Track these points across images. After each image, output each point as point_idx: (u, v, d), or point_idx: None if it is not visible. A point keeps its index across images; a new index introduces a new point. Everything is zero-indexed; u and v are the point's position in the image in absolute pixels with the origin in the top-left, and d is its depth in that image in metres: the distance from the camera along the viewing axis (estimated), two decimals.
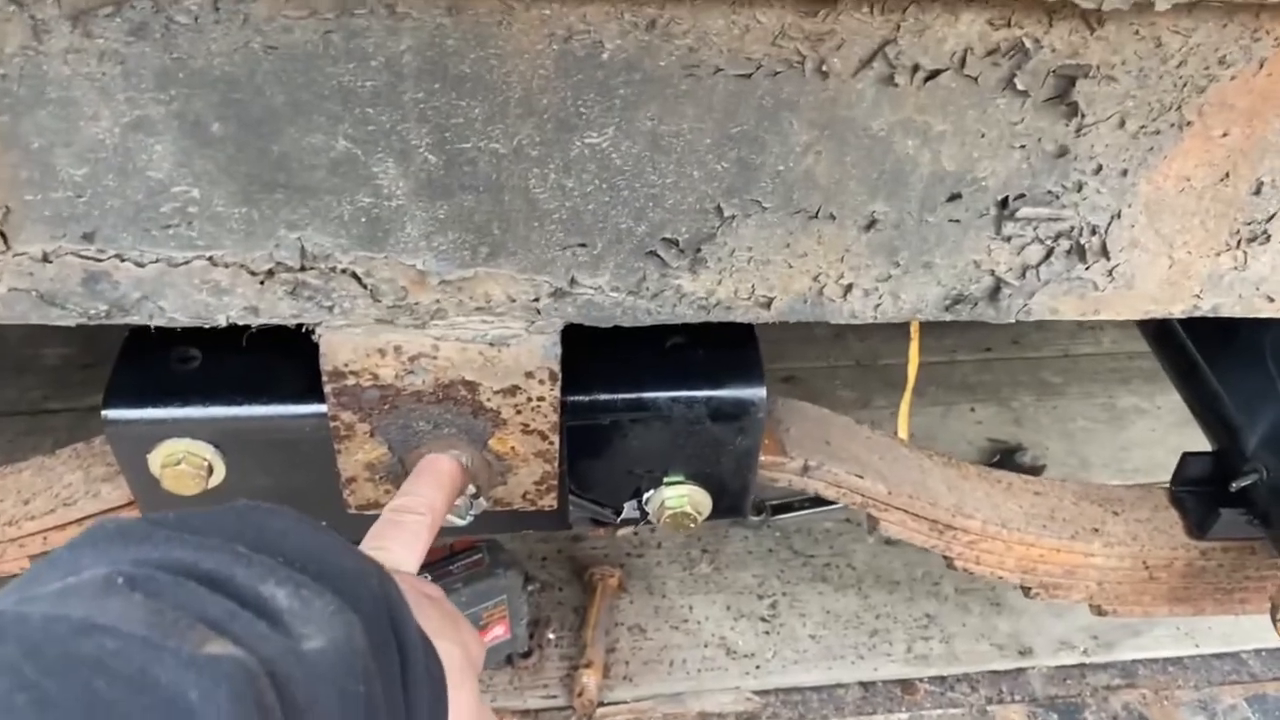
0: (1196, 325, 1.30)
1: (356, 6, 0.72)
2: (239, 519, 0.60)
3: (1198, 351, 1.29)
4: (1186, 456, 1.30)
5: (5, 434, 2.14)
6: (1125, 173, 0.88)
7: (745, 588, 1.95)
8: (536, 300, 0.91)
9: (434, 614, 0.73)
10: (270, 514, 0.62)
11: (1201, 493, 1.28)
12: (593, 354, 1.01)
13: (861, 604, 1.94)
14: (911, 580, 1.98)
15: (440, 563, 1.62)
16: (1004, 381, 2.42)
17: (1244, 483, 1.19)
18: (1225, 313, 0.99)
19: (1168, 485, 1.33)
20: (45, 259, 0.83)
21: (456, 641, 0.74)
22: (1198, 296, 0.98)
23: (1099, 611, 1.33)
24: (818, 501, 2.07)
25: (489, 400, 0.96)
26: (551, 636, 1.83)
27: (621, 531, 2.02)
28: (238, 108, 0.76)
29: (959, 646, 1.87)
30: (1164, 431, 2.28)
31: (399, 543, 0.86)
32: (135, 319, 0.88)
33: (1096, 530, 1.25)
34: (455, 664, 0.71)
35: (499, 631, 1.64)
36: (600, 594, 1.86)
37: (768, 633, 1.88)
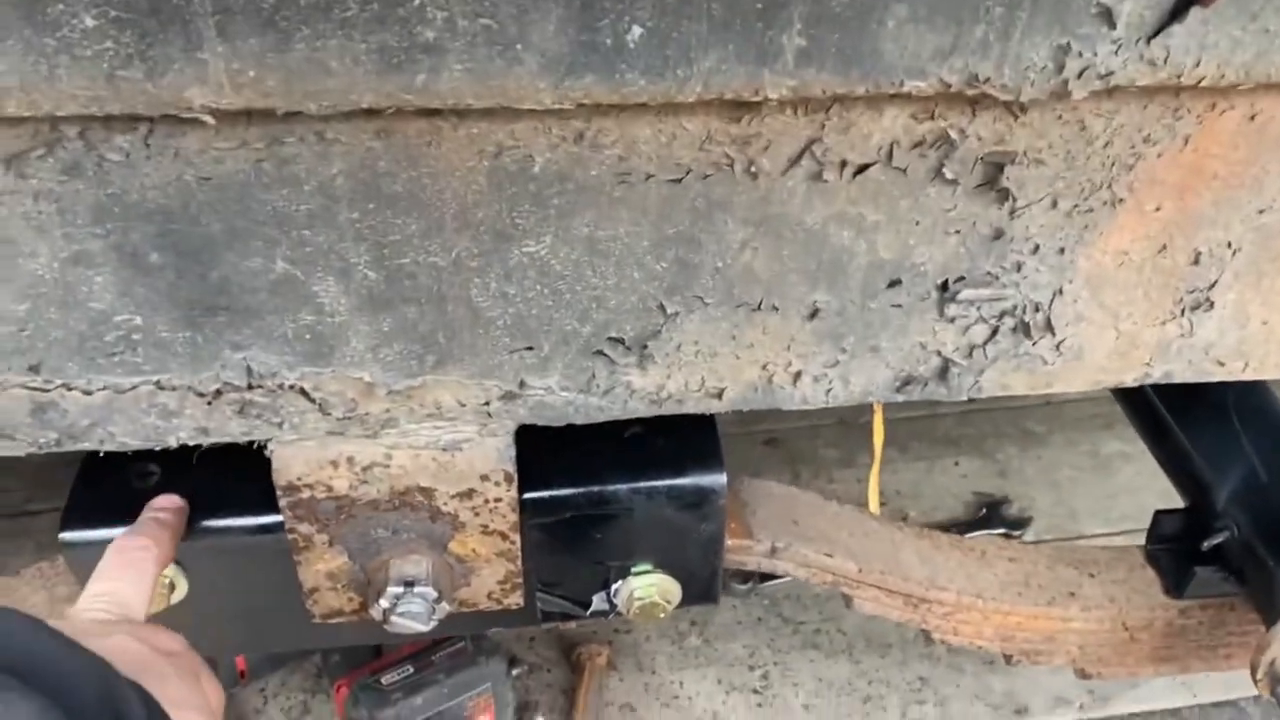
0: (1162, 384, 1.30)
1: (285, 135, 0.73)
2: None
3: (1165, 410, 1.29)
4: (1159, 514, 1.29)
5: None
6: (1063, 250, 0.89)
7: (736, 659, 1.93)
8: (487, 404, 0.91)
9: (172, 677, 0.75)
10: None
11: (1176, 550, 1.27)
12: (550, 449, 1.01)
13: (853, 670, 1.92)
14: (903, 642, 1.96)
15: (423, 653, 1.61)
16: (988, 433, 2.42)
17: (1215, 540, 1.18)
18: (1178, 379, 1.00)
19: (1143, 544, 1.32)
20: None
21: (196, 705, 0.76)
22: (1148, 365, 0.98)
23: (1083, 675, 1.32)
24: None
25: (446, 505, 0.96)
26: None
27: None
28: (175, 237, 0.77)
29: (954, 708, 1.85)
30: (1150, 476, 2.23)
31: (128, 582, 0.88)
32: (86, 445, 0.88)
33: (1073, 594, 1.25)
34: None
35: None
36: (589, 673, 1.84)
37: (760, 705, 1.86)
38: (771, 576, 2.04)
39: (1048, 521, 2.19)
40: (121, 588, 0.87)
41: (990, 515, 2.18)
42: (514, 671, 1.76)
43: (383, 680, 1.55)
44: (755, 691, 1.88)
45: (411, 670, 1.57)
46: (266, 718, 1.80)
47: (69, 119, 0.70)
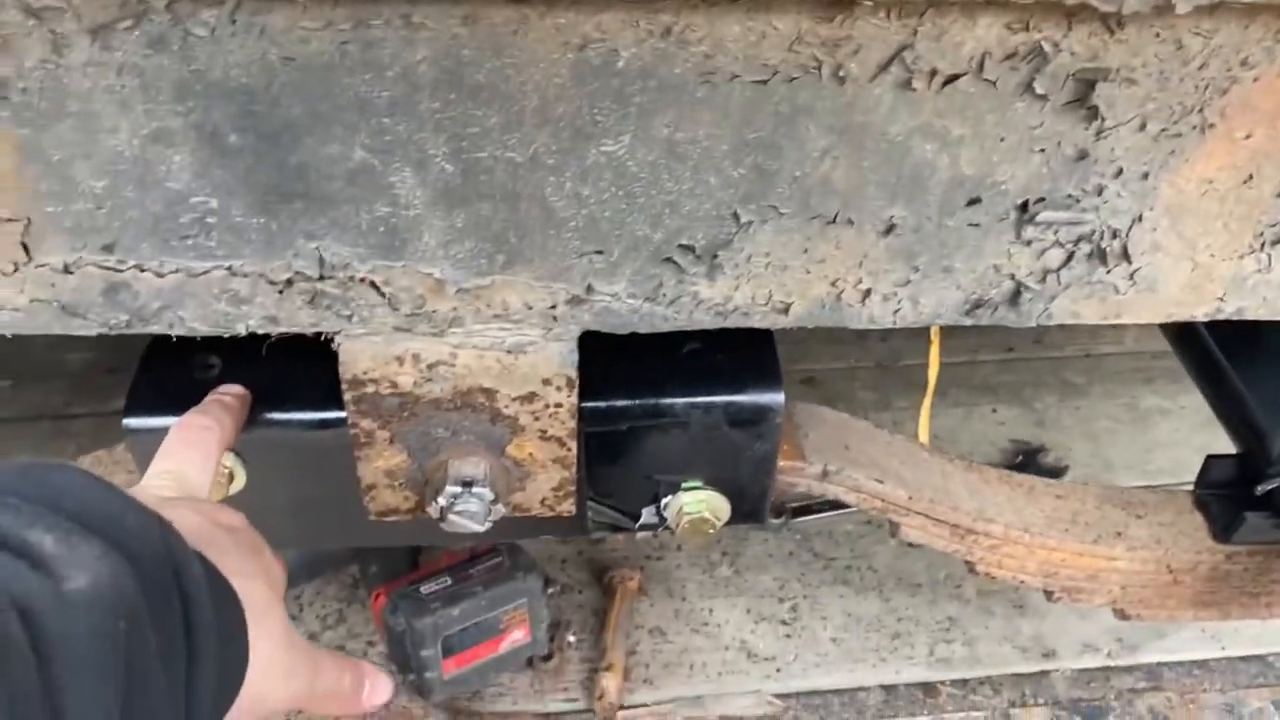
0: (1220, 326, 1.28)
1: (372, 18, 0.72)
2: (21, 474, 0.62)
3: (1221, 353, 1.28)
4: (1210, 459, 1.28)
5: (29, 438, 2.16)
6: (1146, 176, 0.87)
7: (766, 591, 1.95)
8: (553, 308, 0.91)
9: (231, 549, 0.75)
10: (52, 470, 0.63)
11: (1226, 496, 1.27)
12: (610, 360, 1.01)
13: (883, 607, 1.93)
14: (934, 583, 1.97)
15: (460, 566, 1.62)
16: (1026, 382, 2.40)
17: (1270, 486, 1.17)
18: (1250, 316, 0.98)
19: (1191, 488, 1.32)
20: (66, 270, 0.84)
21: (256, 575, 0.76)
22: (1221, 300, 0.97)
23: (1122, 616, 1.32)
24: (838, 504, 2.06)
25: (507, 407, 0.96)
26: (572, 639, 1.83)
27: (641, 535, 2.02)
28: (255, 119, 0.77)
29: (981, 649, 1.86)
30: (1188, 432, 2.25)
31: (191, 464, 0.88)
32: (155, 328, 0.88)
33: (1119, 534, 1.24)
34: (257, 599, 0.73)
35: (519, 635, 1.64)
36: (620, 597, 1.86)
37: (789, 636, 1.88)
38: (805, 511, 2.05)
39: (1083, 472, 2.19)
40: (185, 466, 0.88)
41: (1026, 463, 2.18)
42: (548, 591, 1.77)
43: (421, 590, 1.57)
44: (784, 623, 1.90)
45: (450, 581, 1.58)
46: (301, 624, 1.83)
47: None
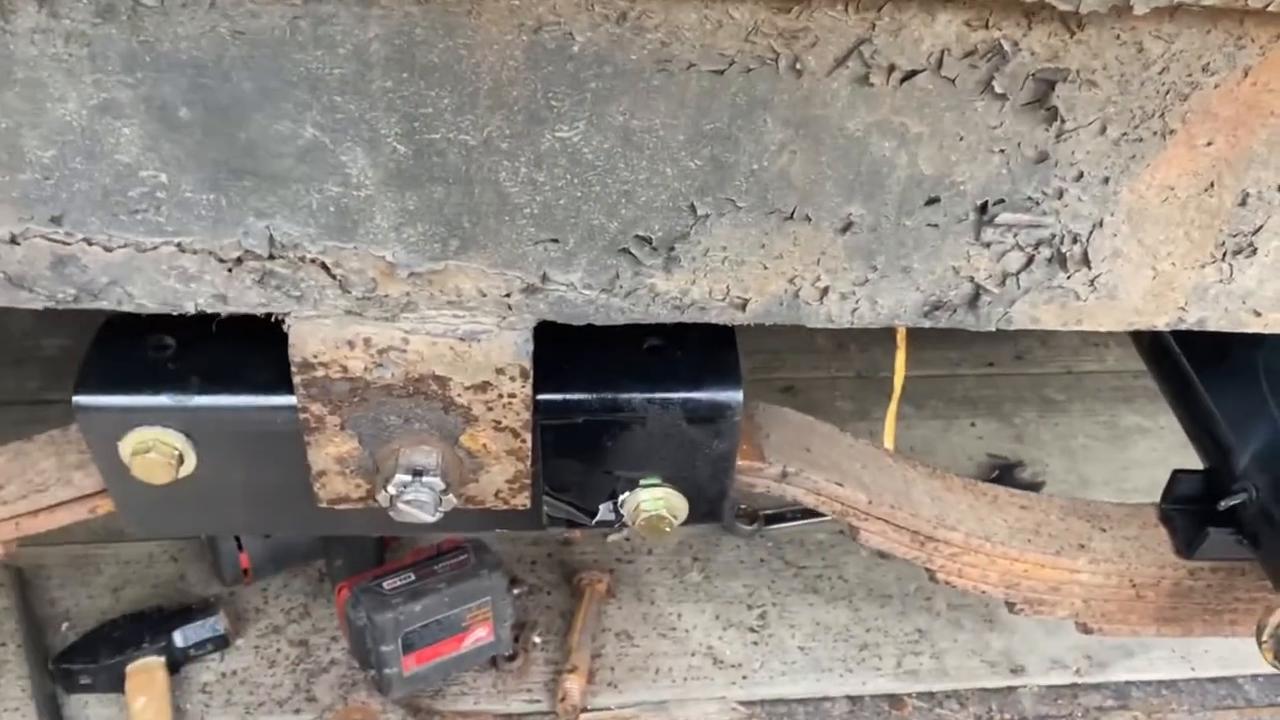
0: (1191, 342, 1.28)
1: None
2: None
3: (1191, 368, 1.27)
4: (1176, 474, 1.28)
5: (3, 423, 2.14)
6: (1107, 180, 0.86)
7: (735, 597, 1.93)
8: (508, 295, 0.90)
9: None
10: None
11: (1191, 511, 1.26)
12: (568, 352, 1.00)
13: (852, 617, 1.92)
14: (904, 595, 1.96)
15: (424, 562, 1.61)
16: (1006, 397, 2.40)
17: (1232, 502, 1.17)
18: (1211, 326, 0.98)
19: (1157, 503, 1.31)
20: (13, 241, 0.83)
21: None
22: (1182, 309, 0.96)
23: (1085, 630, 1.31)
24: (811, 513, 2.05)
25: (460, 396, 0.95)
26: (537, 640, 1.82)
27: (612, 537, 2.01)
28: (205, 93, 0.76)
29: (949, 662, 1.85)
30: (1166, 452, 2.24)
31: None
32: (103, 303, 0.87)
33: (1083, 546, 1.23)
34: None
35: (482, 633, 1.63)
36: (588, 599, 1.85)
37: (756, 643, 1.87)
38: (777, 519, 2.04)
39: (1060, 488, 2.17)
40: None
41: (1002, 477, 2.17)
42: (514, 591, 1.76)
43: (384, 585, 1.56)
44: (752, 630, 1.88)
45: (413, 578, 1.57)
46: (266, 616, 1.82)
47: None
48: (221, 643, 1.72)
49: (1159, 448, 2.29)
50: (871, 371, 2.38)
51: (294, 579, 1.87)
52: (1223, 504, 1.18)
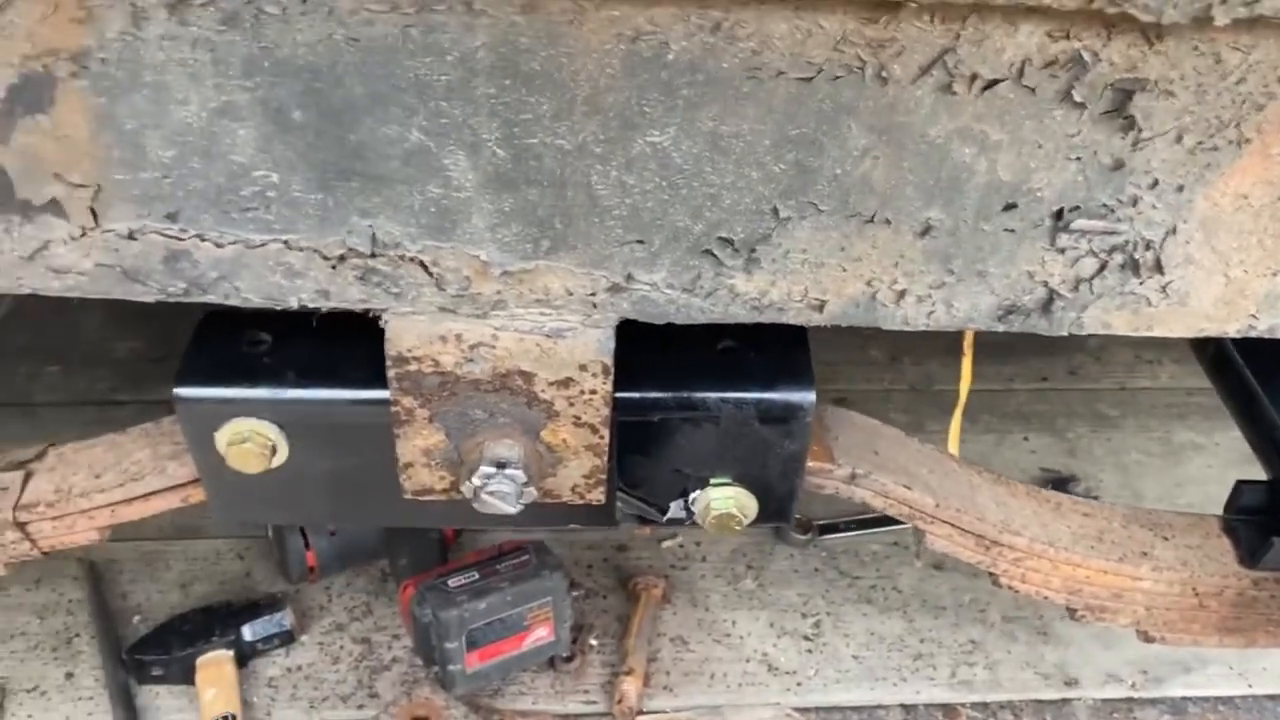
0: (1254, 353, 1.29)
1: (435, 3, 0.75)
2: None
3: (1255, 380, 1.28)
4: (1240, 484, 1.29)
5: (74, 422, 2.21)
6: (1182, 188, 0.88)
7: (789, 605, 1.95)
8: (593, 294, 0.93)
9: None
10: None
11: (1255, 522, 1.27)
12: (645, 353, 1.03)
13: (906, 627, 1.92)
14: (958, 606, 1.96)
15: (487, 561, 1.65)
16: (1059, 412, 2.40)
17: None
18: None
19: (1220, 514, 1.32)
20: (131, 236, 0.88)
21: None
22: (1254, 316, 0.98)
23: (1146, 638, 1.32)
24: (865, 523, 2.07)
25: (543, 391, 0.99)
26: (594, 642, 1.84)
27: (667, 544, 2.03)
28: (319, 97, 0.80)
29: (1003, 674, 1.85)
30: (1220, 469, 2.24)
31: None
32: (211, 297, 0.92)
33: (1145, 554, 1.25)
34: None
35: (543, 633, 1.66)
36: (644, 603, 1.87)
37: (810, 651, 1.88)
38: (831, 529, 2.05)
39: (1113, 502, 2.17)
40: None
41: (1072, 496, 2.17)
42: (573, 593, 1.79)
43: (449, 583, 1.59)
44: (806, 638, 1.90)
45: (477, 576, 1.61)
46: (330, 614, 1.86)
47: None
48: (288, 638, 1.77)
49: (1213, 464, 2.28)
50: (925, 385, 2.40)
51: (357, 578, 1.92)
52: None
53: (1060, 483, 2.21)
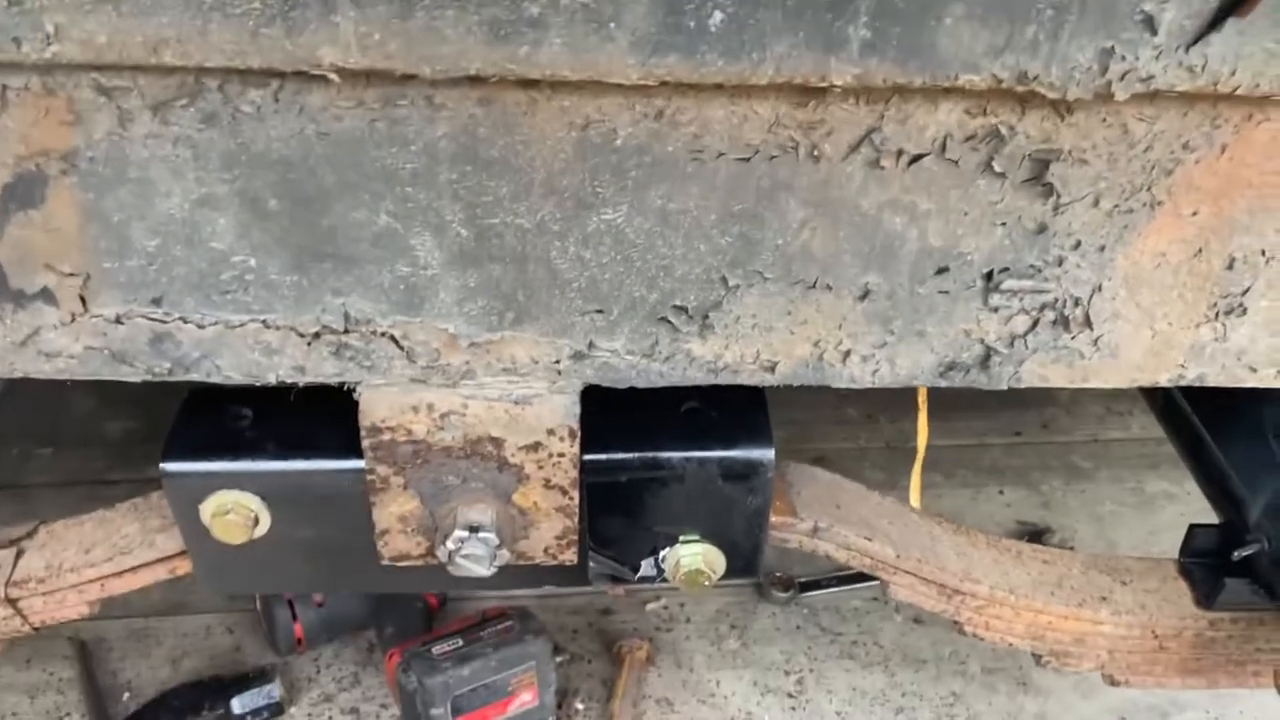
0: (1200, 400, 1.35)
1: (399, 98, 0.82)
2: None
3: (1203, 425, 1.33)
4: (1193, 528, 1.33)
5: (66, 502, 2.23)
6: (1103, 248, 0.94)
7: (772, 663, 1.98)
8: (558, 362, 0.99)
9: None
10: None
11: (1208, 564, 1.31)
12: (611, 416, 1.09)
13: (888, 681, 1.95)
14: (938, 659, 1.99)
15: (471, 628, 1.68)
16: (1033, 465, 2.45)
17: (1246, 552, 1.22)
18: (1211, 382, 1.05)
19: (1176, 558, 1.36)
20: (118, 321, 0.93)
21: None
22: (1182, 366, 1.03)
23: (1112, 681, 1.35)
24: (846, 579, 2.11)
25: (513, 456, 1.03)
26: (580, 707, 1.87)
27: (651, 606, 2.06)
28: (292, 186, 0.86)
29: None
30: (1193, 516, 2.24)
31: None
32: (194, 376, 0.97)
33: (1104, 599, 1.29)
34: None
35: (527, 697, 1.68)
36: (629, 666, 1.90)
37: (794, 709, 1.91)
38: (812, 586, 2.09)
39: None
40: None
41: (1032, 544, 2.21)
42: (557, 658, 1.82)
43: (433, 650, 1.63)
44: (790, 695, 1.92)
45: (461, 643, 1.64)
46: (318, 685, 1.88)
47: (212, 72, 0.80)
48: (277, 710, 1.79)
49: (1186, 513, 2.31)
50: (901, 442, 2.44)
51: (344, 649, 1.94)
52: (1237, 554, 1.23)
53: (1036, 535, 2.25)
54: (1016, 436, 2.51)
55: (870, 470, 2.39)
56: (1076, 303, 0.98)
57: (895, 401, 2.67)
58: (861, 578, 2.09)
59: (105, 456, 2.34)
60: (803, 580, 2.10)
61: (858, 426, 2.49)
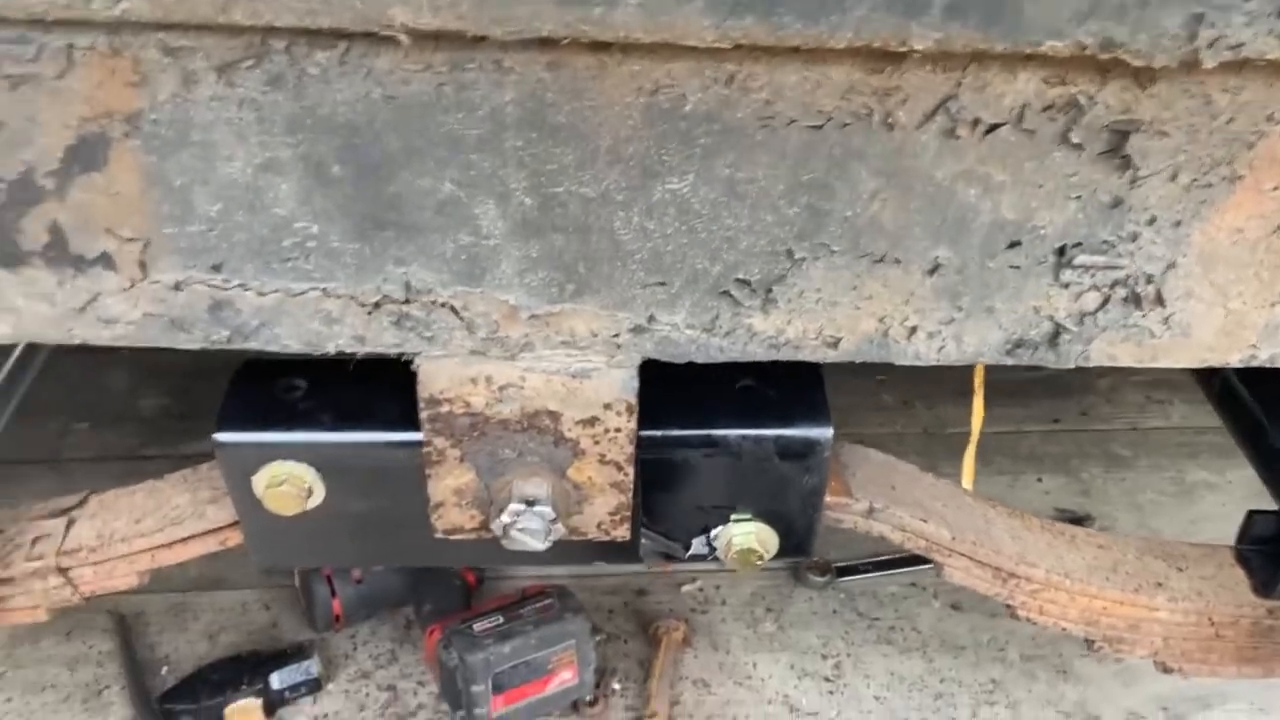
0: (1259, 384, 1.32)
1: (467, 61, 0.80)
2: None
3: (1261, 411, 1.31)
4: (1252, 514, 1.31)
5: (102, 477, 2.23)
6: (1179, 224, 0.92)
7: (809, 647, 1.96)
8: (617, 335, 0.97)
9: None
10: None
11: (1267, 551, 1.29)
12: (667, 391, 1.07)
13: (926, 667, 1.93)
14: (977, 645, 1.97)
15: (511, 606, 1.67)
16: (1072, 453, 2.42)
17: None
18: None
19: (1233, 544, 1.34)
20: (177, 287, 0.92)
21: None
22: (1254, 347, 1.01)
23: (1165, 669, 1.33)
24: (883, 564, 2.09)
25: (570, 430, 1.02)
26: (617, 687, 1.86)
27: (686, 588, 2.05)
28: (357, 151, 0.85)
29: (1025, 713, 1.86)
30: (1234, 506, 2.24)
31: None
32: (253, 345, 0.96)
33: (1160, 584, 1.27)
34: None
35: (567, 676, 1.68)
36: (666, 647, 1.89)
37: (831, 693, 1.89)
38: (849, 571, 2.07)
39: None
40: None
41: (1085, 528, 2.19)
42: (596, 637, 1.81)
43: (474, 627, 1.62)
44: (827, 679, 1.91)
45: (502, 620, 1.63)
46: (355, 662, 1.88)
47: (279, 32, 0.78)
48: (315, 686, 1.79)
49: (1227, 502, 2.29)
50: (938, 428, 2.42)
51: (381, 626, 1.94)
52: None
53: (1075, 523, 2.21)
54: (1055, 424, 2.49)
55: (908, 456, 2.36)
56: (1149, 280, 0.96)
57: (932, 387, 2.64)
58: (898, 563, 2.08)
59: (140, 433, 2.34)
60: (840, 564, 2.08)
61: (894, 412, 2.46)
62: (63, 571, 1.18)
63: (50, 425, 2.36)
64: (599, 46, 0.80)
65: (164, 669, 1.87)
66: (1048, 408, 2.51)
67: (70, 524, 1.19)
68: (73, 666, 1.86)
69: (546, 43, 0.78)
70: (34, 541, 1.18)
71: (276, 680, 1.75)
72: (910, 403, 2.49)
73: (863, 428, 2.42)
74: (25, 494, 2.18)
